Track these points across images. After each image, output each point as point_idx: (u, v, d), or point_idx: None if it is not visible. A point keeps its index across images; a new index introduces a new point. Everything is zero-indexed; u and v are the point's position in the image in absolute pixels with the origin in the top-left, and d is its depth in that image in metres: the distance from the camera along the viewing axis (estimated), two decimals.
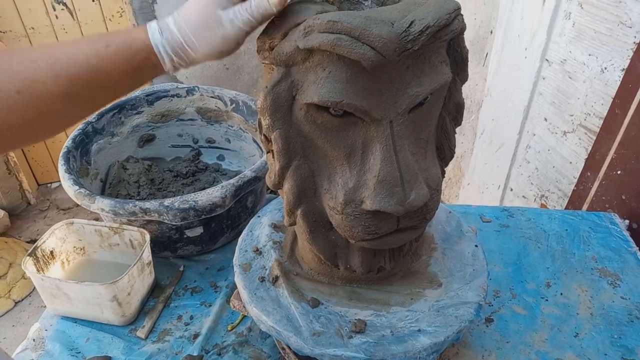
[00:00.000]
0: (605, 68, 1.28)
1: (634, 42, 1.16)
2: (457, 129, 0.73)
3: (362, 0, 0.67)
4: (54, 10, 2.61)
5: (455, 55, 0.64)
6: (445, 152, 0.72)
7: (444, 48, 0.62)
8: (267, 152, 0.69)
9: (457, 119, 0.70)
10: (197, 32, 0.58)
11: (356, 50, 0.52)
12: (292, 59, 0.59)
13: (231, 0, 0.58)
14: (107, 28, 2.76)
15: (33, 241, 2.65)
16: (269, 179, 0.69)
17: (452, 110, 0.69)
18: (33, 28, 2.63)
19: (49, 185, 3.13)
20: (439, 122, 0.69)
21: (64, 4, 2.61)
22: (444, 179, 0.70)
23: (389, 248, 0.74)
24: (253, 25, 0.57)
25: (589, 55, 1.33)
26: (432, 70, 0.59)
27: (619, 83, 1.21)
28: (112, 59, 0.57)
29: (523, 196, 1.74)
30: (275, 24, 0.59)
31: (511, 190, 1.81)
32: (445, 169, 0.74)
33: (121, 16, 2.73)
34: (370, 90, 0.57)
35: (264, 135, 0.66)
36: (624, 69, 1.21)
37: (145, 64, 0.59)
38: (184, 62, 0.60)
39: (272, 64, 0.61)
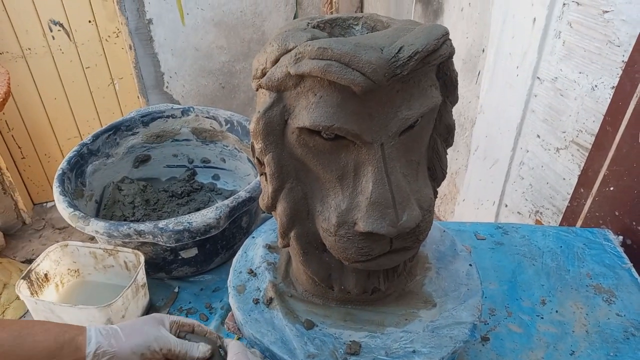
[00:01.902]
0: (596, 86, 1.30)
1: (623, 61, 1.18)
2: (452, 146, 0.73)
3: (353, 25, 0.68)
4: (51, 31, 2.64)
5: (445, 78, 0.65)
6: (437, 172, 0.72)
7: (434, 72, 0.63)
8: (260, 175, 0.70)
9: (448, 140, 0.71)
10: (135, 325, 0.69)
11: (346, 76, 0.53)
12: (283, 84, 0.59)
13: (167, 326, 0.72)
14: (103, 48, 2.78)
15: (28, 261, 2.64)
16: (262, 202, 0.69)
17: (442, 132, 0.70)
18: (30, 49, 2.64)
19: (44, 204, 3.12)
20: (430, 144, 0.70)
21: (61, 25, 2.64)
22: (439, 195, 0.71)
23: (383, 269, 0.74)
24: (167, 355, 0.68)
25: (580, 73, 1.35)
26: (421, 94, 0.60)
27: (609, 100, 1.23)
28: (42, 329, 0.63)
29: (518, 212, 1.74)
30: (267, 51, 0.60)
31: (506, 206, 1.82)
32: (437, 189, 0.75)
33: (117, 37, 2.76)
34: (361, 114, 0.58)
35: (257, 158, 0.67)
36: (613, 86, 1.22)
37: (69, 344, 0.63)
38: (110, 346, 0.65)
39: (264, 89, 0.62)
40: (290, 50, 0.58)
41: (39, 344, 0.61)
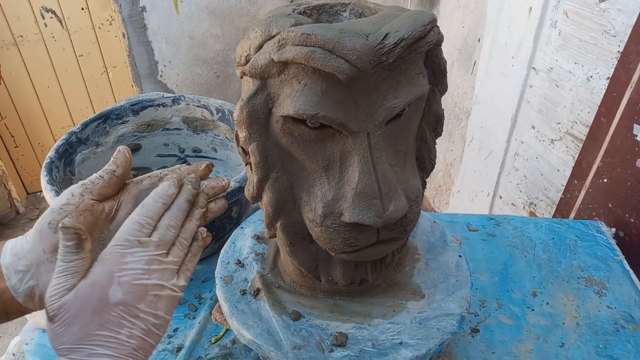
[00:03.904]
0: (591, 76, 1.29)
1: (618, 51, 1.17)
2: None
3: (340, 11, 0.67)
4: (43, 18, 2.60)
5: (434, 66, 0.64)
6: (425, 163, 0.71)
7: (421, 59, 0.62)
8: (246, 165, 0.69)
9: (437, 130, 0.70)
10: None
11: (330, 63, 0.52)
12: (267, 71, 0.58)
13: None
14: (96, 36, 2.75)
15: None
16: (248, 192, 0.68)
17: (431, 122, 0.69)
18: (22, 36, 2.61)
19: (38, 194, 3.11)
20: (418, 133, 0.69)
21: (53, 12, 2.61)
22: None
23: (371, 260, 0.73)
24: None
25: (575, 63, 1.34)
26: (408, 82, 0.58)
27: (604, 91, 1.22)
28: None
29: (512, 204, 1.74)
30: (250, 37, 0.59)
31: (500, 197, 1.81)
32: (426, 179, 0.74)
33: (110, 24, 2.73)
34: (346, 102, 0.57)
35: (242, 147, 0.66)
36: (608, 77, 1.21)
37: None
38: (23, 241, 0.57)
39: (248, 76, 0.60)
40: (273, 37, 0.56)
41: None
